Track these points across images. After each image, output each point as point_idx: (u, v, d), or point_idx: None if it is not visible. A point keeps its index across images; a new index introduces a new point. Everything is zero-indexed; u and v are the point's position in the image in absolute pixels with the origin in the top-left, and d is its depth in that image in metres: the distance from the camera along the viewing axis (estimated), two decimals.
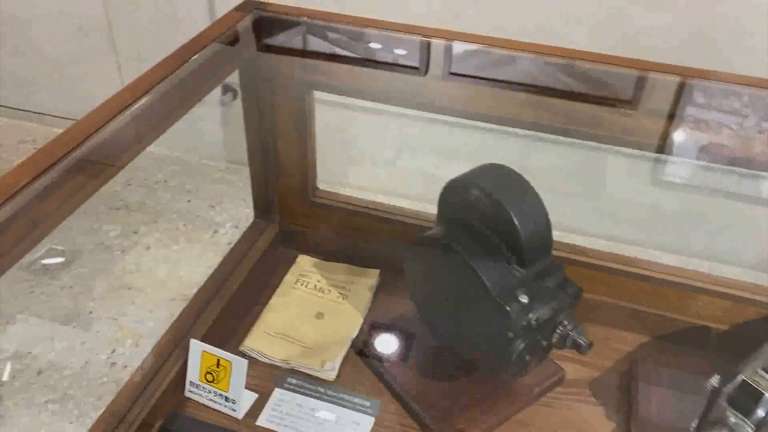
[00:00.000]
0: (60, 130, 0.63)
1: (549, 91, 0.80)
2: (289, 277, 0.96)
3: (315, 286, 0.94)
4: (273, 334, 0.87)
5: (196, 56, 0.73)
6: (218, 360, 0.78)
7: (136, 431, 0.75)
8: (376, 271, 0.96)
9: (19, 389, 1.25)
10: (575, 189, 1.44)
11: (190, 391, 0.81)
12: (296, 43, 0.87)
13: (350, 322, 0.89)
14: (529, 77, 0.81)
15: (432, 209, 0.80)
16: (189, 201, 1.74)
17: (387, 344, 0.86)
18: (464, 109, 0.84)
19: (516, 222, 0.68)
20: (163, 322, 1.35)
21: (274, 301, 0.92)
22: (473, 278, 0.69)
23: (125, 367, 1.28)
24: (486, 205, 0.71)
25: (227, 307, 0.88)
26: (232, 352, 0.79)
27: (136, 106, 0.65)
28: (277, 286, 0.95)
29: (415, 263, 0.80)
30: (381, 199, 1.01)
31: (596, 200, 1.48)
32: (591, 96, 0.81)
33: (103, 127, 0.61)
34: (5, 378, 1.39)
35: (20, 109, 1.83)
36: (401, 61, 0.84)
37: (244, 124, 0.91)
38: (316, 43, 0.87)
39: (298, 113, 0.89)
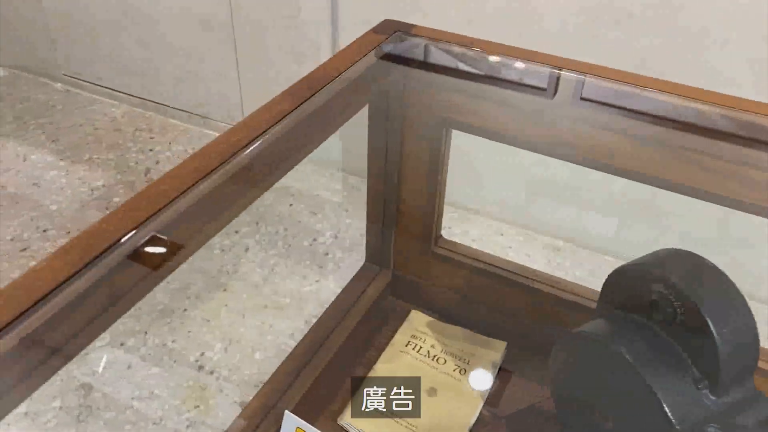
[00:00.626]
0: (177, 122, 0.53)
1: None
2: (400, 337, 0.83)
3: (428, 352, 0.81)
4: (377, 410, 0.75)
5: (329, 86, 0.61)
6: None
7: None
8: (503, 344, 0.82)
9: (108, 381, 1.21)
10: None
11: None
12: (437, 74, 0.74)
13: (468, 404, 0.75)
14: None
15: (574, 276, 0.65)
16: (291, 205, 1.67)
17: None
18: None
19: (715, 333, 0.52)
20: (253, 330, 1.28)
21: (380, 367, 0.80)
22: (647, 399, 0.53)
23: (211, 372, 1.22)
24: (673, 307, 0.55)
25: (327, 369, 0.77)
26: (327, 426, 0.67)
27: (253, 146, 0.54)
28: (384, 344, 0.83)
29: (565, 357, 0.65)
30: (511, 256, 0.86)
31: None
32: None
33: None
34: (100, 369, 1.37)
35: (140, 98, 1.82)
36: (556, 109, 0.69)
37: (367, 159, 0.79)
38: (459, 76, 0.73)
39: (431, 153, 0.75)
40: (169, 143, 1.75)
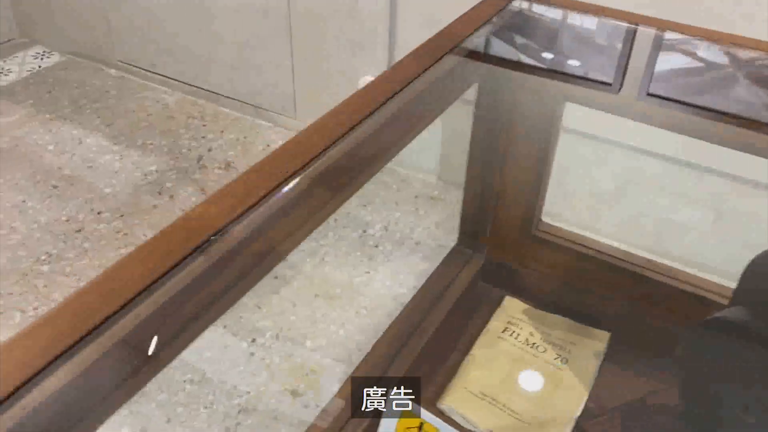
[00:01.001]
0: (228, 111, 0.50)
1: None
2: (495, 324, 0.80)
3: (526, 339, 0.78)
4: (477, 394, 0.72)
5: (440, 61, 0.58)
6: (422, 424, 0.63)
7: None
8: (606, 334, 0.78)
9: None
10: None
11: None
12: (553, 46, 0.71)
13: (573, 395, 0.72)
14: None
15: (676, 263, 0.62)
16: None
17: None
18: None
19: None
20: (302, 321, 1.26)
21: (478, 352, 0.76)
22: None
23: (263, 359, 1.20)
24: None
25: (422, 352, 0.73)
26: (427, 408, 0.64)
27: (365, 125, 0.51)
28: (477, 332, 0.79)
29: (696, 351, 0.61)
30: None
31: None
32: None
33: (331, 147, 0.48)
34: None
35: (193, 85, 1.81)
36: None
37: (470, 136, 0.76)
38: (578, 49, 0.70)
39: (539, 131, 0.72)
40: (221, 131, 1.73)
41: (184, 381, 1.17)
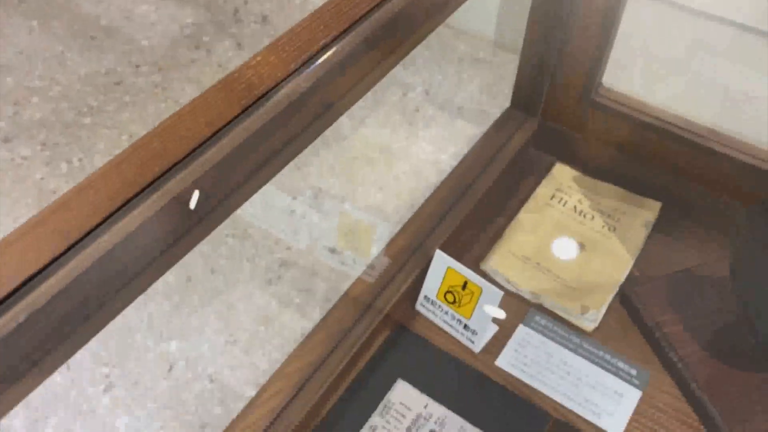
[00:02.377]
0: None
1: None
2: (544, 190, 0.78)
3: (575, 207, 0.77)
4: (521, 257, 0.72)
5: None
6: (466, 282, 0.64)
7: (363, 344, 0.64)
8: (657, 204, 0.76)
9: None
10: None
11: (423, 305, 0.68)
12: None
13: (617, 262, 0.72)
14: None
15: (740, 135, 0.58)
16: None
17: (666, 304, 0.68)
18: None
19: None
20: (342, 183, 1.26)
21: (524, 216, 0.76)
22: None
23: (303, 217, 1.22)
24: None
25: (470, 214, 0.73)
26: (471, 268, 0.65)
27: None
28: (525, 197, 0.78)
29: (754, 234, 0.60)
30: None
31: None
32: None
33: None
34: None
35: None
36: None
37: None
38: None
39: None
40: None
41: (227, 235, 1.20)
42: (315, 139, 0.43)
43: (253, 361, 1.05)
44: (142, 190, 0.33)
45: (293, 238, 1.21)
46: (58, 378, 1.04)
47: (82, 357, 1.05)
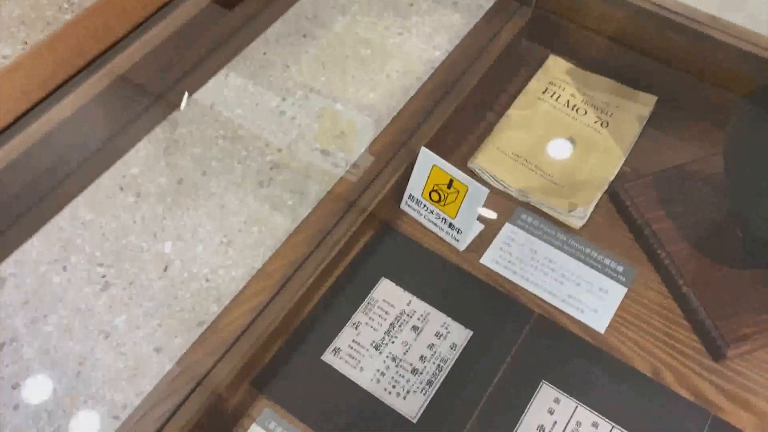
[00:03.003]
0: None
1: None
2: (535, 84, 0.75)
3: (567, 102, 0.74)
4: (510, 155, 0.70)
5: None
6: (451, 180, 0.62)
7: (346, 243, 0.63)
8: (653, 98, 0.73)
9: (192, 120, 1.20)
10: None
11: (407, 204, 0.67)
12: None
13: (609, 158, 0.70)
14: None
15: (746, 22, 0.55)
16: None
17: (656, 201, 0.66)
18: None
19: None
20: (332, 82, 1.23)
21: (515, 113, 0.73)
22: None
23: (293, 118, 1.19)
24: None
25: (458, 110, 0.70)
26: (458, 166, 0.63)
27: None
28: (516, 92, 0.75)
29: (749, 121, 0.57)
30: None
31: None
32: None
33: None
34: (182, 108, 1.37)
35: None
36: None
37: None
38: None
39: None
40: None
41: (217, 137, 1.18)
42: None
43: (248, 261, 1.05)
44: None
45: (284, 140, 1.19)
46: (55, 278, 1.05)
47: (78, 259, 1.05)
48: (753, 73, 0.66)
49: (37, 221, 0.50)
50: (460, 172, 0.61)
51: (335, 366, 0.59)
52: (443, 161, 0.62)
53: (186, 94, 0.35)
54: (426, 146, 0.64)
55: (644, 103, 0.73)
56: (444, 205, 0.64)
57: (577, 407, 0.57)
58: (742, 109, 0.57)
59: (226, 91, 1.24)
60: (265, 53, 1.29)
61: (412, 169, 0.65)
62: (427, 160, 0.63)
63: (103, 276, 1.04)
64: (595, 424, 0.56)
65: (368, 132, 1.17)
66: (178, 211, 1.10)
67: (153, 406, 0.55)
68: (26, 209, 0.46)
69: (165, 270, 1.06)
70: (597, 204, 0.67)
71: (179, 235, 1.09)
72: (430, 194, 0.64)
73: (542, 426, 0.56)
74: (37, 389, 0.96)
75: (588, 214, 0.66)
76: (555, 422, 0.56)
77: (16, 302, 1.02)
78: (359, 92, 1.22)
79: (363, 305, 0.62)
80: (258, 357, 0.59)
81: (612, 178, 0.69)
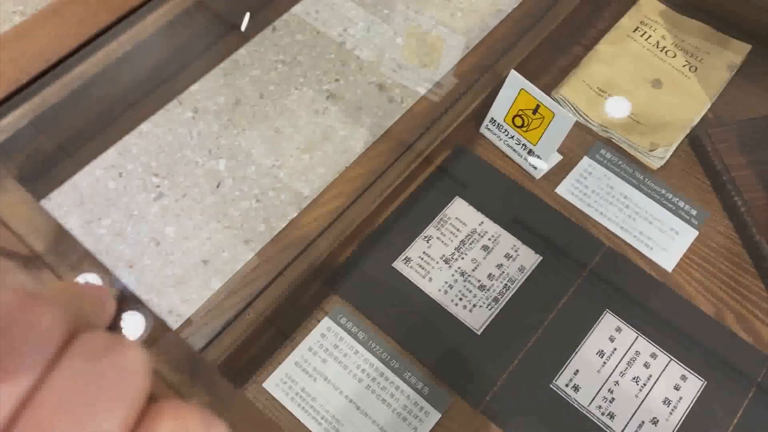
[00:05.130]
0: None
1: None
2: (627, 22, 0.74)
3: (657, 43, 0.73)
4: (596, 89, 0.70)
5: None
6: (538, 105, 0.62)
7: (424, 159, 0.64)
8: (746, 47, 0.72)
9: (253, 42, 1.20)
10: None
11: (488, 128, 0.68)
12: None
13: (694, 102, 0.69)
14: None
15: None
16: None
17: (736, 148, 0.66)
18: None
19: None
20: (396, 17, 1.22)
21: (603, 48, 0.72)
22: None
23: (352, 49, 1.19)
24: None
25: (546, 39, 0.70)
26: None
27: None
28: (606, 27, 0.74)
29: None
30: None
31: None
32: None
33: None
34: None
35: None
36: None
37: None
38: None
39: None
40: None
41: (276, 61, 1.19)
42: None
43: (297, 186, 1.07)
44: None
45: (342, 72, 1.19)
46: (111, 184, 1.08)
47: (134, 167, 1.08)
48: None
49: (106, 136, 0.52)
50: (548, 98, 0.61)
51: (405, 273, 0.61)
52: (532, 86, 0.62)
53: (248, 15, 0.36)
54: (516, 69, 0.64)
55: (736, 51, 0.71)
56: (527, 130, 0.64)
57: (637, 338, 0.59)
58: None
59: (288, 17, 1.24)
60: None
61: (495, 93, 0.65)
62: (515, 83, 0.63)
63: (158, 186, 1.07)
64: (653, 355, 0.58)
65: (450, 48, 1.16)
66: (234, 130, 1.12)
67: (231, 293, 0.58)
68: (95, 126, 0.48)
69: (217, 186, 1.08)
70: (677, 147, 0.67)
71: (233, 154, 1.11)
72: (513, 119, 0.65)
73: (602, 351, 0.58)
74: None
75: (668, 155, 0.66)
76: (615, 349, 0.58)
77: (71, 203, 1.05)
78: (427, 23, 1.21)
79: (436, 221, 0.64)
80: (333, 257, 0.62)
81: (695, 122, 0.68)
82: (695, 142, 0.67)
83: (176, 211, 1.06)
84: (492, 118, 0.66)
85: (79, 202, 1.04)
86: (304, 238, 0.60)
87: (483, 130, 0.68)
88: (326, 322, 0.59)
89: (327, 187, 0.64)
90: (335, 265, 0.62)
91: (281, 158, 1.10)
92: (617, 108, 0.69)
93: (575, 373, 0.57)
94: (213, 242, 1.06)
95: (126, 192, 1.06)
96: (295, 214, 0.63)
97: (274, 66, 1.20)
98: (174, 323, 1.05)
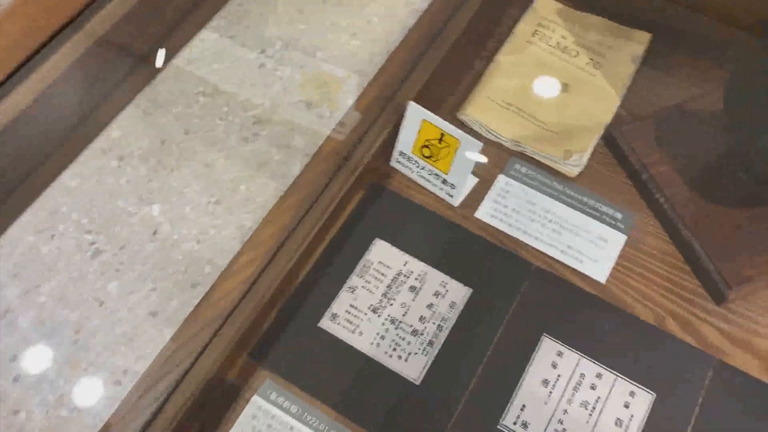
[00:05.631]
0: None
1: None
2: (524, 27, 0.72)
3: (558, 43, 0.71)
4: (501, 103, 0.67)
5: None
6: (442, 134, 0.60)
7: (337, 205, 0.61)
8: (647, 36, 0.70)
9: (170, 78, 1.16)
10: None
11: (398, 161, 0.65)
12: None
13: (603, 101, 0.67)
14: None
15: None
16: None
17: (653, 143, 0.64)
18: None
19: None
20: (311, 31, 1.18)
21: (503, 59, 0.70)
22: None
23: (274, 70, 1.15)
24: None
25: (444, 59, 0.67)
26: (445, 119, 0.60)
27: None
28: (504, 37, 0.72)
29: (750, 58, 0.54)
30: None
31: None
32: None
33: None
34: (158, 65, 1.32)
35: None
36: None
37: None
38: None
39: None
40: None
41: (197, 93, 1.14)
42: None
43: (238, 220, 1.03)
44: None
45: (266, 94, 1.15)
46: (44, 249, 1.03)
47: (65, 227, 1.03)
48: (753, 5, 0.63)
49: (26, 192, 0.48)
50: (451, 126, 0.59)
51: (333, 332, 0.58)
52: (433, 115, 0.59)
53: (163, 51, 0.33)
54: (414, 99, 0.61)
55: (639, 42, 0.70)
56: (436, 160, 0.61)
57: (580, 359, 0.57)
58: (745, 45, 0.55)
59: (203, 46, 1.20)
60: (240, 4, 1.24)
61: (401, 124, 0.63)
62: (415, 114, 0.60)
63: (93, 243, 1.02)
64: (599, 375, 0.56)
65: (352, 83, 1.13)
66: (163, 172, 1.07)
67: (151, 386, 0.54)
68: (11, 182, 0.44)
69: (155, 233, 1.03)
70: (593, 150, 0.65)
71: (166, 196, 1.06)
72: (421, 150, 0.62)
73: (546, 380, 0.56)
74: (36, 359, 0.95)
75: (584, 161, 0.64)
76: (559, 375, 0.56)
77: (6, 274, 1.00)
78: (340, 39, 1.18)
79: (358, 268, 0.61)
80: (254, 328, 0.58)
81: (608, 122, 0.66)
82: (610, 142, 0.66)
83: (116, 266, 1.01)
84: (401, 151, 0.64)
85: (14, 273, 0.99)
86: (219, 314, 0.56)
87: (394, 163, 0.65)
88: (256, 401, 0.55)
89: (238, 254, 0.60)
90: (258, 335, 0.58)
91: (217, 193, 1.06)
92: (525, 120, 0.66)
93: (522, 409, 0.55)
94: (159, 292, 1.01)
95: (61, 254, 1.01)
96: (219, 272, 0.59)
97: (195, 99, 1.16)
98: (129, 383, 1.00)
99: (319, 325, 0.58)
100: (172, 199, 1.06)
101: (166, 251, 1.02)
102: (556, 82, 0.68)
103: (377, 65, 1.04)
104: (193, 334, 0.56)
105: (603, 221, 0.62)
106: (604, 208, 0.63)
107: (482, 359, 0.56)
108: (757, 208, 0.60)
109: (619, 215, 0.63)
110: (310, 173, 0.62)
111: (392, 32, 1.17)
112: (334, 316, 0.59)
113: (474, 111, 0.67)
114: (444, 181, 0.62)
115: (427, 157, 0.62)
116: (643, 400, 0.55)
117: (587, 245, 0.61)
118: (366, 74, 1.08)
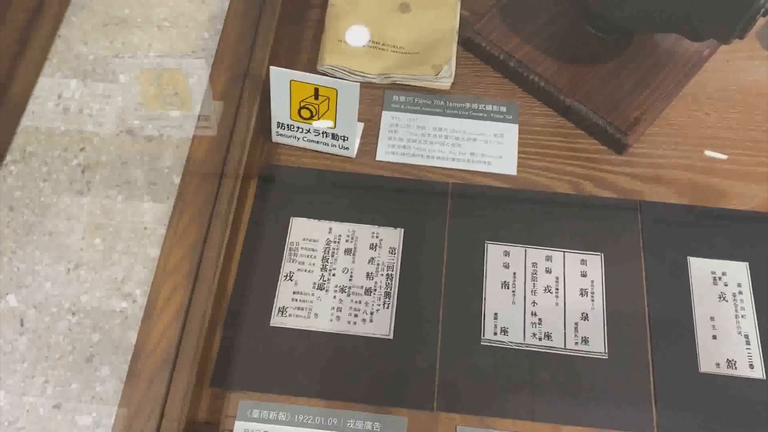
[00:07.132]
0: None
1: None
2: None
3: None
4: (354, 43, 0.65)
5: None
6: (316, 89, 0.57)
7: (238, 202, 0.57)
8: None
9: None
10: None
11: (280, 135, 0.61)
12: None
13: (444, 7, 0.67)
14: None
15: None
16: None
17: (508, 31, 0.66)
18: None
19: None
20: (119, 49, 1.10)
21: (337, 0, 0.68)
22: None
23: (79, 111, 1.05)
24: None
25: (281, 17, 0.64)
26: (312, 71, 0.57)
27: None
28: None
29: None
30: None
31: None
32: None
33: None
34: None
35: None
36: None
37: None
38: None
39: None
40: None
41: (6, 164, 1.02)
42: None
43: (107, 275, 0.94)
44: None
45: (83, 137, 1.04)
46: None
47: None
48: None
49: None
50: (323, 77, 0.56)
51: (288, 325, 0.55)
52: (299, 72, 0.56)
53: None
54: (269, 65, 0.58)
55: None
56: (319, 117, 0.59)
57: (526, 250, 0.58)
58: None
59: None
60: None
61: (270, 95, 0.59)
62: (281, 78, 0.57)
63: None
64: (548, 258, 0.57)
65: (196, 73, 1.05)
66: (4, 258, 0.95)
67: None
68: None
69: (22, 324, 0.92)
70: (457, 57, 0.66)
71: (19, 282, 0.95)
72: (299, 113, 0.59)
73: (505, 282, 0.56)
74: None
75: (453, 70, 0.64)
76: (514, 273, 0.57)
77: None
78: (153, 48, 1.09)
79: (286, 254, 0.57)
80: (205, 357, 0.53)
81: (458, 26, 0.67)
82: (469, 44, 0.66)
83: None
84: (278, 122, 0.60)
85: None
86: (163, 361, 0.51)
87: (277, 138, 0.61)
88: (240, 427, 0.51)
89: (153, 291, 0.54)
90: (211, 362, 0.53)
91: (73, 258, 0.95)
92: (384, 51, 0.65)
93: (495, 318, 0.55)
94: (54, 382, 0.90)
95: None
96: (125, 305, 0.53)
97: (7, 171, 1.03)
98: None
99: (271, 324, 0.55)
100: (26, 283, 0.94)
101: (43, 338, 0.91)
102: (397, 4, 0.67)
103: (212, 46, 0.97)
104: (143, 393, 0.50)
105: (492, 119, 0.63)
106: (489, 107, 0.64)
107: (440, 288, 0.56)
108: (617, 53, 0.64)
109: (503, 108, 0.64)
110: (192, 182, 0.56)
111: (201, 19, 1.10)
112: (282, 309, 0.55)
113: (332, 59, 0.64)
114: (334, 137, 0.60)
115: (308, 119, 0.59)
116: (595, 264, 0.57)
117: (487, 146, 0.62)
118: (204, 60, 1.01)
